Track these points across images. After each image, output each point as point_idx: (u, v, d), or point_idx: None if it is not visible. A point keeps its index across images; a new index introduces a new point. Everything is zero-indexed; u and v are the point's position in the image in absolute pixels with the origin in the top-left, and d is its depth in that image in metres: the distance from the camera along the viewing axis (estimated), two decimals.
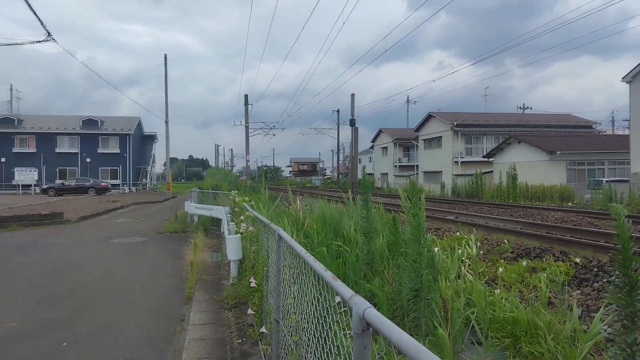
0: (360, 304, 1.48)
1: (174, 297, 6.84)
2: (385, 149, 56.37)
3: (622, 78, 23.09)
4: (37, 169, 44.50)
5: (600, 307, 5.29)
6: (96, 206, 24.34)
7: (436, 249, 5.48)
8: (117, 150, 49.50)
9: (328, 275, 2.04)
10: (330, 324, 2.19)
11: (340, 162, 65.09)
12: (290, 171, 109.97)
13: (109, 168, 49.30)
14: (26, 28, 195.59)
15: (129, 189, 47.98)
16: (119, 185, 47.89)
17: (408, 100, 65.33)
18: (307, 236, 6.59)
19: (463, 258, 6.89)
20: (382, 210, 7.69)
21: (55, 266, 9.24)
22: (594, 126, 44.07)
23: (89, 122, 49.84)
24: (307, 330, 2.72)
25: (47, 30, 16.08)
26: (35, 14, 14.86)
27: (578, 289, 6.01)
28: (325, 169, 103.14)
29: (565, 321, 3.96)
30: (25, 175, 42.94)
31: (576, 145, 30.31)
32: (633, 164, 23.03)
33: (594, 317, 4.88)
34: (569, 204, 21.33)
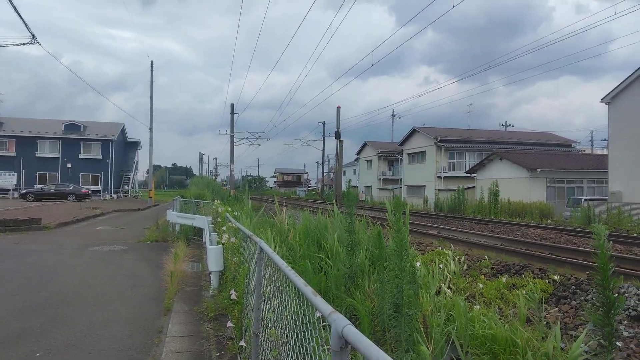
0: (339, 321, 1.48)
1: (152, 308, 6.72)
2: (370, 162, 56.68)
3: (602, 99, 23.71)
4: (16, 173, 43.68)
5: (578, 324, 5.37)
6: (76, 212, 23.90)
7: (418, 264, 5.50)
8: (99, 156, 48.82)
9: (308, 290, 2.03)
10: (309, 340, 2.18)
11: (325, 174, 65.21)
12: (274, 182, 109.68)
13: (90, 174, 48.57)
14: (11, 30, 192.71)
15: (110, 195, 47.24)
16: (100, 191, 47.16)
17: (393, 115, 65.94)
18: (290, 248, 6.56)
19: (445, 272, 6.93)
20: (366, 223, 7.70)
21: (31, 274, 9.02)
22: (573, 145, 45.09)
23: (71, 126, 49.12)
24: (286, 345, 2.69)
25: (31, 33, 15.95)
26: (20, 16, 14.72)
27: (556, 307, 6.09)
28: (309, 181, 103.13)
29: (542, 338, 4.00)
30: (3, 179, 42.15)
31: (556, 163, 30.96)
32: (611, 183, 23.54)
33: (571, 334, 4.94)
34: (549, 221, 21.67)
